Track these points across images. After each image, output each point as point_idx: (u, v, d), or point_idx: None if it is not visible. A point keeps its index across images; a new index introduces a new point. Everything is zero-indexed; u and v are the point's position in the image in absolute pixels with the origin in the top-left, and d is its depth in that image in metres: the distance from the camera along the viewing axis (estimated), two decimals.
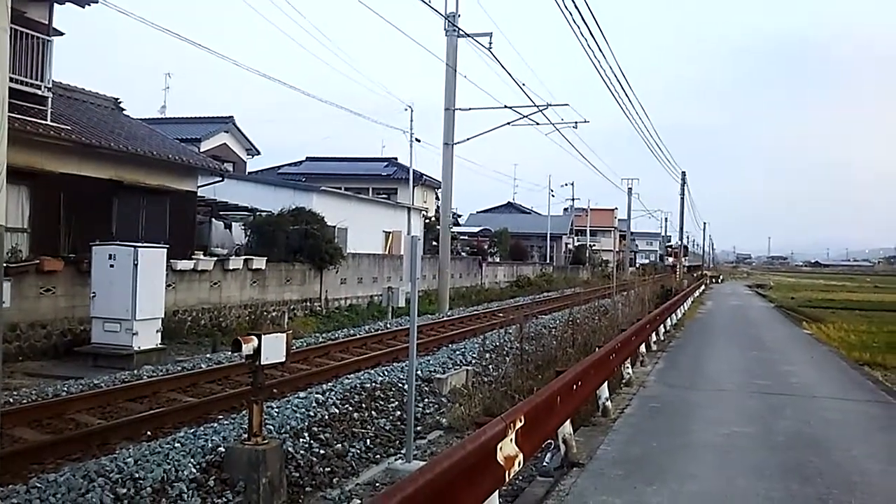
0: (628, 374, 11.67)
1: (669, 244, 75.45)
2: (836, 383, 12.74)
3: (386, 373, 11.62)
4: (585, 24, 18.20)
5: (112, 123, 19.34)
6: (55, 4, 16.13)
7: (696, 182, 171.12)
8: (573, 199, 72.77)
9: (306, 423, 8.33)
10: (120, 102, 21.57)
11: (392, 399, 10.17)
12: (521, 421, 5.19)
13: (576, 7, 18.69)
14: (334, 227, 25.83)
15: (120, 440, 8.22)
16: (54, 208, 15.38)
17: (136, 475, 6.35)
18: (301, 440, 7.87)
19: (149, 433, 8.51)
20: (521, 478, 6.55)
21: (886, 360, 15.24)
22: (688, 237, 79.70)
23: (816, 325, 23.22)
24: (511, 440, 4.98)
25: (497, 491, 4.88)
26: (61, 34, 16.76)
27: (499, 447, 4.75)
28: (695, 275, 64.44)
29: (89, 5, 16.08)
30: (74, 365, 13.23)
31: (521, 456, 5.13)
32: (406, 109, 39.53)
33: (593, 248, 76.43)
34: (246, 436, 6.66)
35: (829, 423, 9.25)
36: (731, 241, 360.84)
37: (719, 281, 78.78)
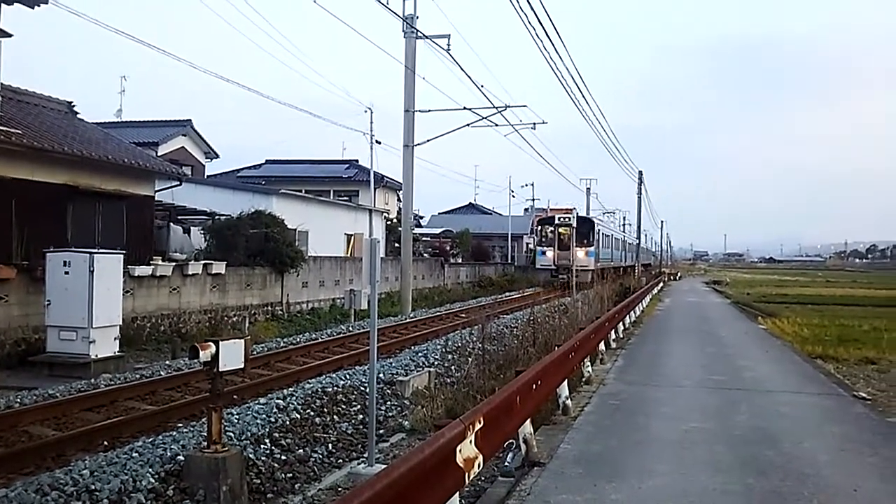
0: (588, 372, 11.80)
1: (548, 219, 43.43)
2: (790, 377, 13.03)
3: (348, 376, 11.60)
4: (542, 25, 18.36)
5: (66, 127, 18.97)
6: (3, 5, 15.74)
7: (654, 182, 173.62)
8: (533, 200, 73.41)
9: (267, 429, 8.28)
10: (74, 106, 21.17)
11: (354, 403, 10.16)
12: (480, 422, 5.23)
13: (532, 9, 18.89)
14: (295, 230, 25.66)
15: (76, 452, 8.07)
16: (6, 214, 15.03)
17: (93, 487, 6.26)
18: (262, 446, 7.83)
19: (106, 443, 8.37)
20: (482, 478, 6.60)
21: (838, 352, 15.66)
22: (646, 235, 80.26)
23: (771, 321, 23.72)
24: (470, 442, 5.02)
25: (458, 493, 4.91)
26: (9, 35, 16.36)
27: (458, 449, 4.78)
28: (653, 272, 65.33)
29: (38, 6, 15.74)
30: (29, 375, 12.94)
31: (480, 457, 5.16)
32: (366, 111, 39.53)
33: None
34: (206, 443, 6.60)
35: (783, 416, 9.46)
36: (689, 238, 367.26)
37: (677, 278, 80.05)
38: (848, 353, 15.66)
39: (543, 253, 42.39)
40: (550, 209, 47.37)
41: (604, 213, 68.67)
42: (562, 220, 41.65)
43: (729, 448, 7.74)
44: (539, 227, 43.65)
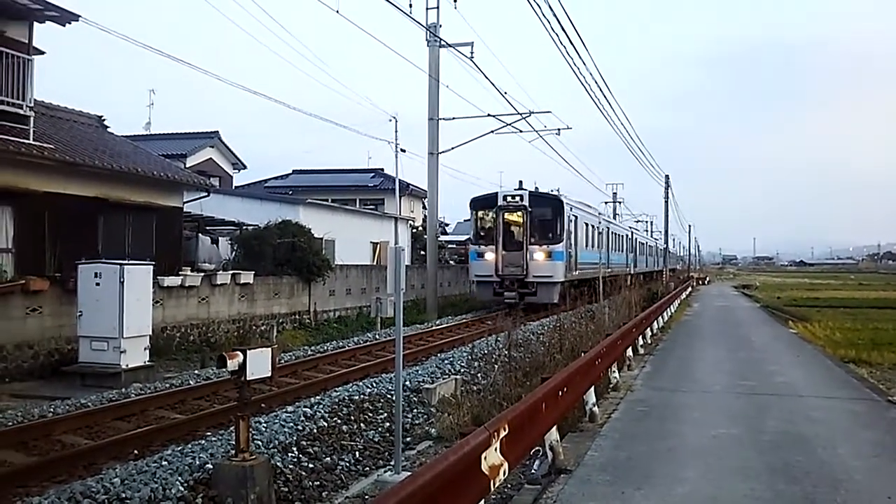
0: (615, 378, 11.72)
1: (486, 201, 27.48)
2: (821, 382, 12.83)
3: (374, 384, 11.63)
4: (564, 32, 18.29)
5: (96, 141, 19.30)
6: (35, 23, 16.10)
7: (682, 186, 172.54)
8: None
9: (295, 438, 8.33)
10: (104, 120, 21.54)
11: (381, 410, 10.18)
12: (505, 429, 5.22)
13: (554, 16, 18.84)
14: (321, 239, 25.82)
15: (107, 460, 8.18)
16: (39, 228, 15.31)
17: (123, 495, 6.34)
18: (290, 454, 7.87)
19: (136, 452, 8.48)
20: (508, 486, 6.59)
21: (871, 356, 15.37)
22: (673, 239, 79.41)
23: (802, 324, 23.38)
24: (496, 449, 5.01)
25: (483, 500, 4.91)
26: (42, 53, 16.73)
27: (483, 457, 4.77)
28: (681, 277, 64.63)
29: (70, 24, 16.06)
30: (62, 385, 13.15)
31: (506, 465, 5.15)
32: (391, 120, 39.59)
33: None
34: (234, 452, 6.66)
35: (814, 422, 9.32)
36: (717, 242, 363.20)
37: (706, 282, 79.27)
38: (882, 357, 15.37)
39: (479, 255, 26.55)
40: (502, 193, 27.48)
41: (636, 221, 66.45)
42: (509, 201, 25.83)
43: (759, 454, 7.64)
44: (475, 215, 27.31)
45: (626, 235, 45.61)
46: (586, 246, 31.04)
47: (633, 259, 46.30)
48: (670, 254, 70.09)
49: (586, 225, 31.14)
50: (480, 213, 27.27)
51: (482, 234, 26.91)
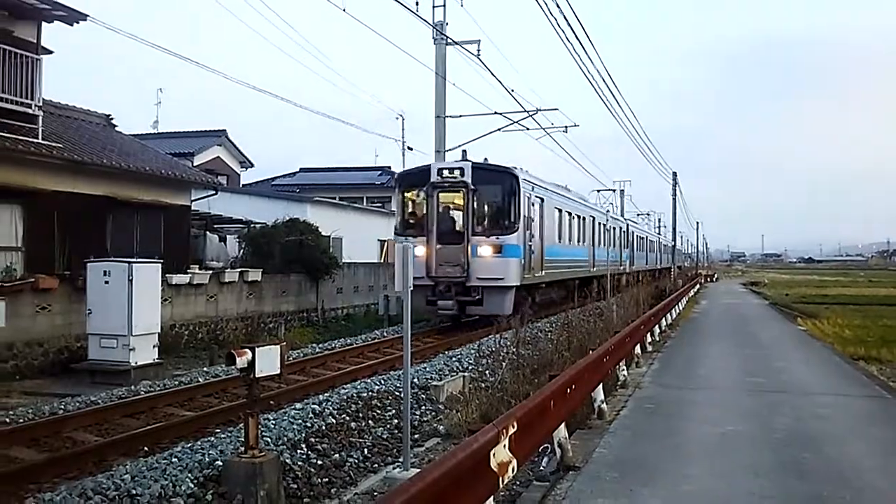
0: (624, 375, 11.71)
1: (415, 177, 20.37)
2: (831, 379, 12.79)
3: (382, 381, 11.65)
4: (571, 29, 18.21)
5: (104, 140, 19.39)
6: (43, 23, 16.17)
7: (690, 183, 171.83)
8: None
9: (303, 434, 8.35)
10: (112, 119, 21.63)
11: (389, 407, 10.19)
12: (514, 427, 5.22)
13: (561, 13, 18.83)
14: (329, 236, 25.87)
15: (117, 457, 8.23)
16: (48, 226, 15.39)
17: (134, 492, 6.38)
18: (298, 451, 7.90)
19: (146, 449, 8.52)
20: (517, 483, 6.59)
21: (881, 354, 15.33)
22: (681, 236, 79.08)
23: (811, 321, 23.30)
24: (504, 446, 5.02)
25: (492, 497, 4.92)
26: (50, 52, 16.81)
27: (492, 454, 4.78)
28: (688, 274, 64.35)
29: (77, 23, 16.13)
30: (72, 382, 13.23)
31: (514, 462, 5.16)
32: (397, 118, 39.60)
33: None
34: (243, 449, 6.69)
35: (823, 419, 9.29)
36: (726, 239, 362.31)
37: (714, 280, 79.04)
38: (892, 354, 15.32)
39: None
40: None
41: (637, 215, 64.70)
42: (445, 177, 19.38)
43: (768, 451, 7.62)
44: (400, 196, 20.60)
45: (621, 228, 39.46)
46: (559, 238, 24.43)
47: (629, 255, 40.77)
48: (678, 251, 69.39)
49: (559, 212, 24.53)
50: (408, 195, 20.30)
51: (411, 221, 20.00)
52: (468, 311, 19.21)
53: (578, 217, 27.87)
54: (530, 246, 20.16)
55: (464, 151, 20.73)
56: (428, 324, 20.83)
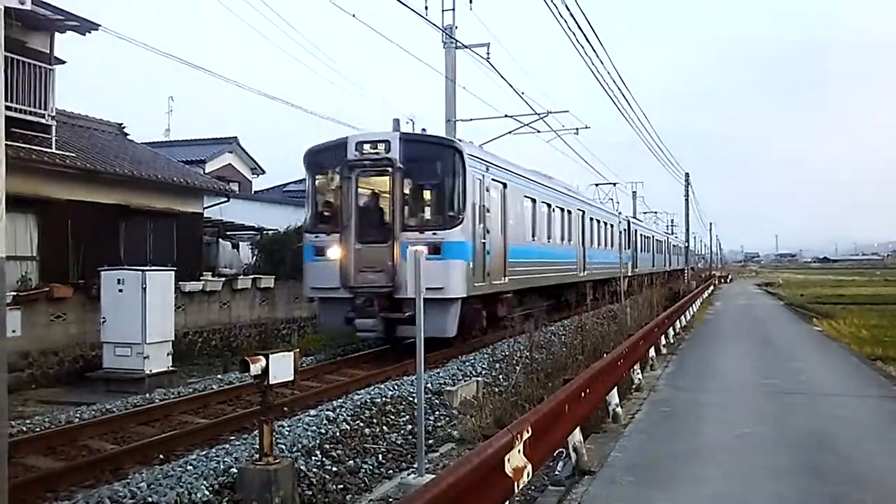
0: (638, 378, 11.65)
1: (330, 151, 15.22)
2: (848, 380, 12.67)
3: (396, 387, 11.63)
4: (581, 30, 18.18)
5: (117, 149, 19.52)
6: (56, 33, 16.31)
7: (702, 183, 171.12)
8: None
9: (318, 441, 8.35)
10: (124, 127, 21.79)
11: (403, 413, 10.18)
12: (528, 431, 5.20)
13: (571, 15, 18.84)
14: None
15: (133, 465, 8.25)
16: (62, 235, 15.50)
17: (149, 499, 6.39)
18: (313, 458, 7.89)
19: (161, 457, 8.54)
20: (532, 487, 6.56)
21: None
22: (694, 237, 78.56)
23: (827, 322, 23.11)
24: (519, 451, 4.99)
25: (507, 502, 4.89)
26: (63, 62, 16.95)
27: (506, 459, 4.76)
28: (702, 275, 63.95)
29: (89, 33, 16.26)
30: (87, 390, 13.30)
31: (529, 466, 5.13)
32: (407, 122, 39.54)
33: None
34: (258, 456, 6.69)
35: (841, 420, 9.20)
36: (739, 240, 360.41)
37: (728, 281, 78.63)
38: None
39: (318, 252, 15.19)
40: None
41: (643, 212, 61.89)
42: (366, 153, 14.88)
43: (785, 454, 7.55)
44: (311, 181, 16.13)
45: (622, 226, 35.03)
46: (533, 235, 20.01)
47: (631, 257, 36.01)
48: (690, 252, 68.69)
49: (533, 202, 20.05)
50: (321, 179, 15.85)
51: (325, 214, 15.50)
52: (399, 331, 14.82)
53: (562, 210, 23.36)
54: (485, 244, 15.50)
55: (395, 121, 15.50)
56: (365, 344, 16.63)
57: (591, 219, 28.01)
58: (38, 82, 15.45)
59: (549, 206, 21.84)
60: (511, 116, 26.66)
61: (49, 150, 15.45)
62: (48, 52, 16.14)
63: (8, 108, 14.27)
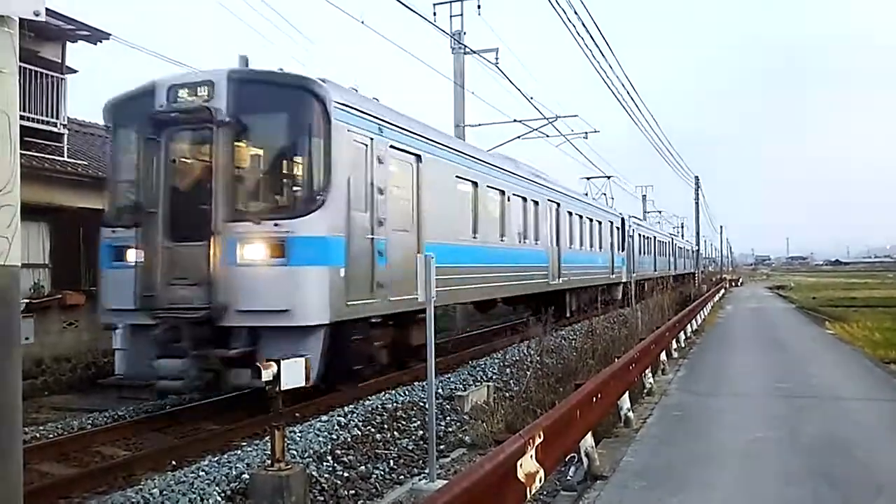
0: (650, 382, 11.62)
1: (128, 106, 10.13)
2: (861, 383, 12.59)
3: (407, 392, 11.64)
4: (590, 35, 18.25)
5: None
6: (68, 43, 16.45)
7: (713, 187, 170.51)
8: None
9: (329, 447, 8.36)
10: None
11: (414, 418, 10.17)
12: (540, 436, 5.20)
13: (580, 20, 18.85)
14: None
15: (145, 471, 8.28)
16: (74, 243, 15.59)
17: None
18: (325, 463, 7.90)
19: (174, 463, 8.57)
20: (544, 492, 6.55)
21: None
22: (705, 240, 78.24)
23: (839, 325, 22.97)
24: (531, 456, 4.99)
25: None
26: (75, 72, 17.08)
27: (518, 464, 4.76)
28: (713, 279, 63.66)
29: (101, 42, 16.39)
30: (99, 397, 13.33)
31: (541, 472, 5.13)
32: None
33: None
34: (269, 462, 6.71)
35: (854, 424, 9.16)
36: (750, 243, 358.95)
37: (739, 284, 78.31)
38: None
39: (117, 254, 10.04)
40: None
41: (646, 213, 59.76)
42: (184, 101, 9.65)
43: (798, 458, 7.52)
44: (112, 149, 11.12)
45: (614, 224, 30.15)
46: (474, 231, 15.13)
47: (624, 260, 30.82)
48: (700, 255, 68.30)
49: (472, 186, 15.13)
50: (124, 143, 10.84)
51: (129, 196, 10.76)
52: (229, 377, 9.75)
53: (524, 200, 18.45)
54: (374, 241, 10.65)
55: (242, 58, 10.48)
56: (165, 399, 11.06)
57: (571, 213, 23.18)
58: (50, 91, 15.58)
59: (502, 192, 16.77)
60: (520, 121, 26.71)
61: (61, 159, 15.56)
62: (60, 61, 16.27)
63: (21, 117, 14.38)
